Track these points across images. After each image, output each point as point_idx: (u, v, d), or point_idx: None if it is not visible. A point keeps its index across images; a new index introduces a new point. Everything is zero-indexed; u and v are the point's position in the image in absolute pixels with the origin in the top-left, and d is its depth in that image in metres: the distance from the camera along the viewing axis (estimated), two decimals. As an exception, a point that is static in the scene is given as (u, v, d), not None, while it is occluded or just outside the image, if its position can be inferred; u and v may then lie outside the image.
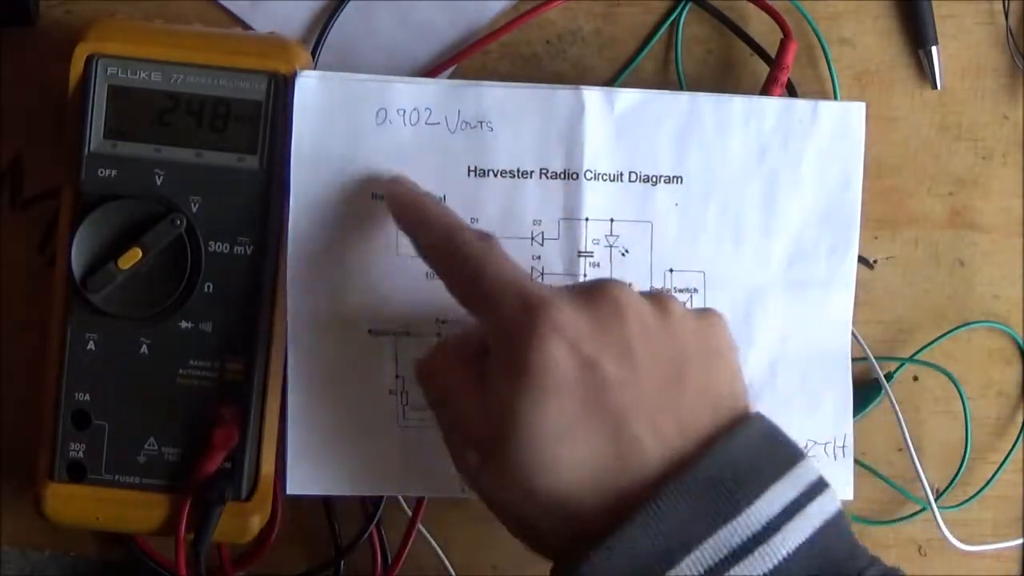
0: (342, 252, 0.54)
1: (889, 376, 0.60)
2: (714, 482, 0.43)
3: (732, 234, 0.56)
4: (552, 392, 0.44)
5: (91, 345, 0.54)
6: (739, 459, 0.44)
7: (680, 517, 0.43)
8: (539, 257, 0.55)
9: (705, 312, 0.48)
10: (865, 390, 0.59)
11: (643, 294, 0.47)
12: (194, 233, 0.53)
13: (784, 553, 0.42)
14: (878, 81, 0.60)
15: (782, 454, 0.45)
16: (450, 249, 0.49)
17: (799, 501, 0.43)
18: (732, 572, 0.42)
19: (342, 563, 0.59)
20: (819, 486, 0.44)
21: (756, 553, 0.42)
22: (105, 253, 0.53)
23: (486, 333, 0.47)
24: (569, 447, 0.44)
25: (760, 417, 0.46)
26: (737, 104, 0.56)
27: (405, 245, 0.55)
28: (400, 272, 0.55)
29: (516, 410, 0.44)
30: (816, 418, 0.57)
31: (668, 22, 0.59)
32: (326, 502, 0.59)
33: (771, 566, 0.42)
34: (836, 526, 0.44)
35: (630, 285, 0.47)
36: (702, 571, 0.42)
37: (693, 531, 0.42)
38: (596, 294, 0.46)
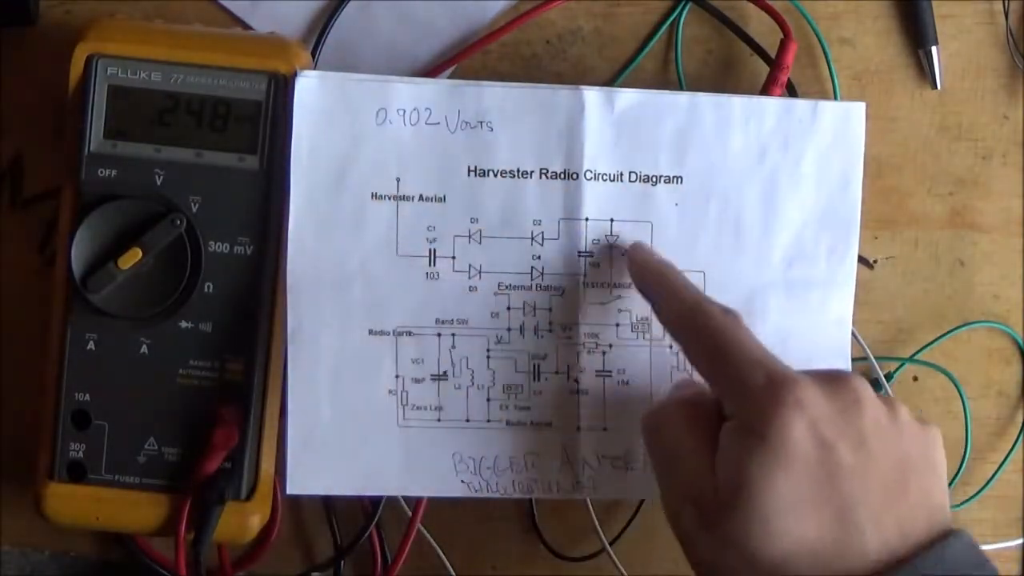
0: (342, 252, 0.54)
1: (889, 376, 0.60)
2: None
3: (732, 234, 0.56)
4: (788, 465, 0.45)
5: (91, 345, 0.54)
6: (951, 568, 0.45)
7: None
8: (539, 257, 0.55)
9: (928, 424, 0.49)
10: (865, 390, 0.59)
11: (877, 395, 0.48)
12: (194, 233, 0.53)
13: None
14: (878, 81, 0.60)
15: (987, 572, 0.46)
16: (696, 321, 0.50)
17: None
18: None
19: (342, 563, 0.59)
20: None
21: None
22: (105, 253, 0.53)
23: (725, 401, 0.48)
24: (795, 521, 0.45)
25: (967, 533, 0.47)
26: (737, 104, 0.56)
27: (405, 245, 0.55)
28: (400, 272, 0.55)
29: (750, 477, 0.45)
30: (816, 418, 0.57)
31: (668, 22, 0.59)
32: (326, 502, 0.59)
33: None
34: None
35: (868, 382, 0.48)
36: None
37: None
38: (839, 382, 0.47)
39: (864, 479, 0.46)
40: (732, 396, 0.48)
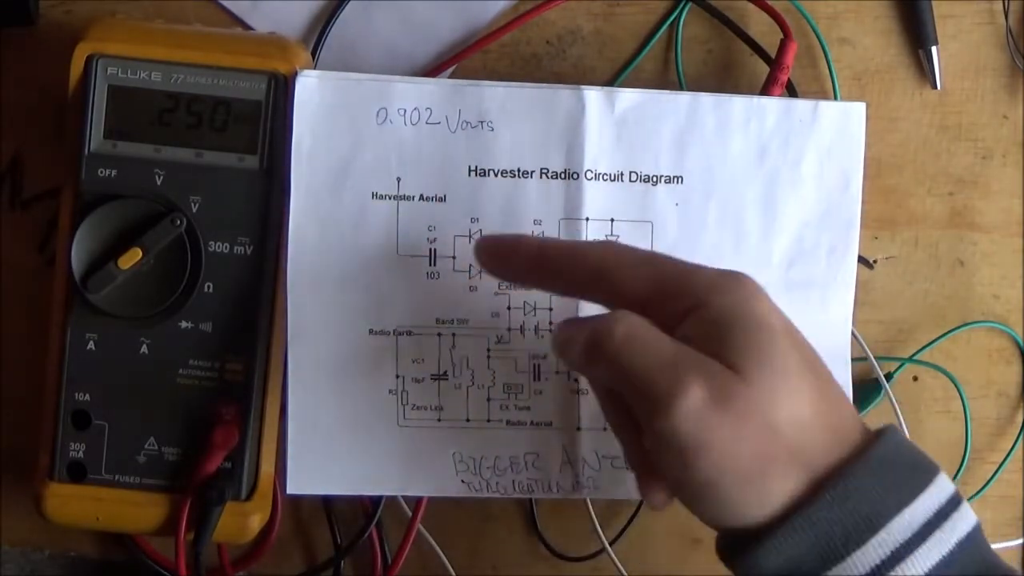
0: (342, 252, 0.54)
1: (889, 376, 0.60)
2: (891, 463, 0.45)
3: (732, 234, 0.56)
4: (782, 334, 0.46)
5: (91, 345, 0.54)
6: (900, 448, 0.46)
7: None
8: (539, 257, 0.55)
9: None
10: (865, 390, 0.59)
11: None
12: (194, 233, 0.53)
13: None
14: (878, 81, 0.60)
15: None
16: (581, 256, 0.48)
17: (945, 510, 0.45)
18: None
19: (342, 563, 0.59)
20: (955, 500, 0.46)
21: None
22: (105, 253, 0.53)
23: (680, 304, 0.46)
24: (797, 380, 0.45)
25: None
26: (737, 104, 0.56)
27: (405, 245, 0.55)
28: (400, 272, 0.55)
29: (760, 349, 0.45)
30: (816, 418, 0.57)
31: (668, 22, 0.59)
32: (326, 502, 0.59)
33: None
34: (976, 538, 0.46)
35: None
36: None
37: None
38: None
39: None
40: (687, 296, 0.46)
